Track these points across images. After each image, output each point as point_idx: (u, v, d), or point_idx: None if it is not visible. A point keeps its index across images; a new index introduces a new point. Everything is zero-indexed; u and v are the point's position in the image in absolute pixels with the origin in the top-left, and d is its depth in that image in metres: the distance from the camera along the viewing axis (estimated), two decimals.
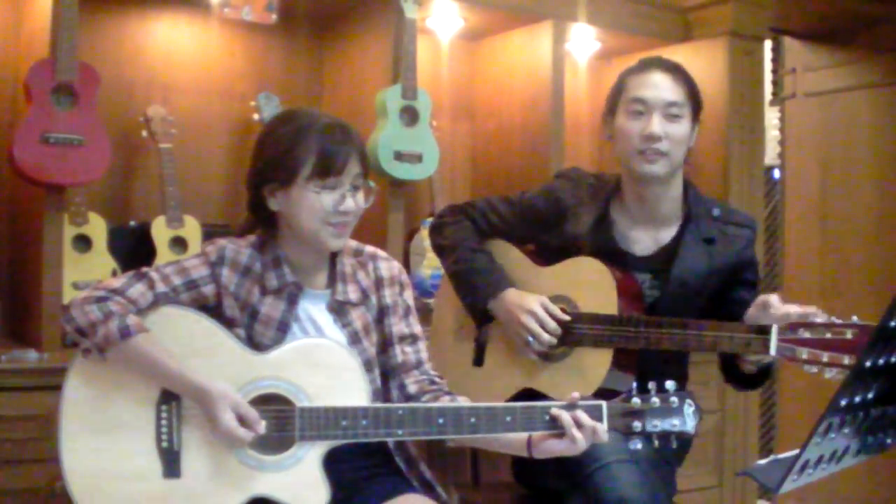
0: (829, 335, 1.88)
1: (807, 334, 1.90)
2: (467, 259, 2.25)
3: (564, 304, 2.19)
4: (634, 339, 2.08)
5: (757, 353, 1.99)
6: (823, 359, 1.87)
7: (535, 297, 2.20)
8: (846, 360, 1.85)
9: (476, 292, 2.23)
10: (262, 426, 1.73)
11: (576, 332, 2.15)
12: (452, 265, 2.30)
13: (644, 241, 2.23)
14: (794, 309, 1.96)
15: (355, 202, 1.84)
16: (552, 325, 2.16)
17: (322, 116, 1.86)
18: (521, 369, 2.22)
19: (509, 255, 2.33)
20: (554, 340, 2.16)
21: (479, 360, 2.33)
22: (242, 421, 1.71)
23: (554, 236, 2.28)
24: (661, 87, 2.18)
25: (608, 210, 2.26)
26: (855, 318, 1.88)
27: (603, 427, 1.76)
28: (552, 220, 2.29)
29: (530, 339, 2.17)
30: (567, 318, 2.17)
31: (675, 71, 2.21)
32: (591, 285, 2.16)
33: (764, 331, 1.96)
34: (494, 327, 2.28)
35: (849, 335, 1.86)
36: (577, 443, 1.75)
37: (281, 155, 1.81)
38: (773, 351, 1.94)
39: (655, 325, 2.07)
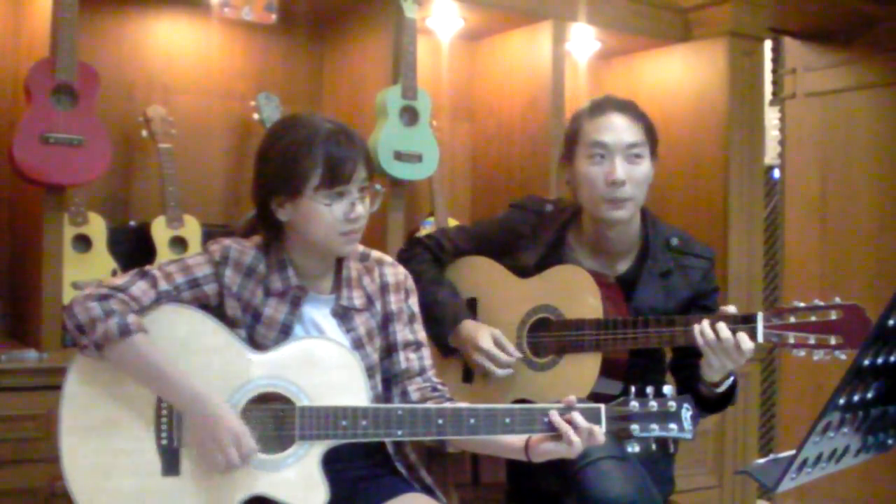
0: (813, 318, 1.91)
1: (792, 319, 1.92)
2: (428, 292, 2.22)
3: (549, 313, 2.20)
4: (623, 341, 2.08)
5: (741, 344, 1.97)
6: (810, 341, 1.90)
7: (488, 332, 2.21)
8: (833, 340, 1.88)
9: (436, 325, 2.23)
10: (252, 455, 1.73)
11: (563, 339, 2.15)
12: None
13: (601, 270, 2.23)
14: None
15: (364, 208, 1.84)
16: (504, 359, 2.18)
17: (323, 122, 1.83)
18: (511, 382, 2.22)
19: (490, 270, 2.34)
20: (509, 372, 2.19)
21: (468, 377, 2.33)
22: (240, 451, 1.71)
23: (506, 262, 2.31)
24: (619, 129, 2.16)
25: (564, 238, 2.27)
26: (838, 299, 1.89)
27: (600, 429, 1.76)
28: (506, 249, 2.32)
29: (489, 370, 2.20)
30: (518, 355, 2.20)
31: (631, 110, 2.20)
32: (575, 292, 2.16)
33: (750, 319, 1.96)
34: None
35: (833, 316, 1.89)
36: (573, 445, 1.75)
37: (286, 167, 1.79)
38: (760, 338, 1.95)
39: (642, 324, 2.07)
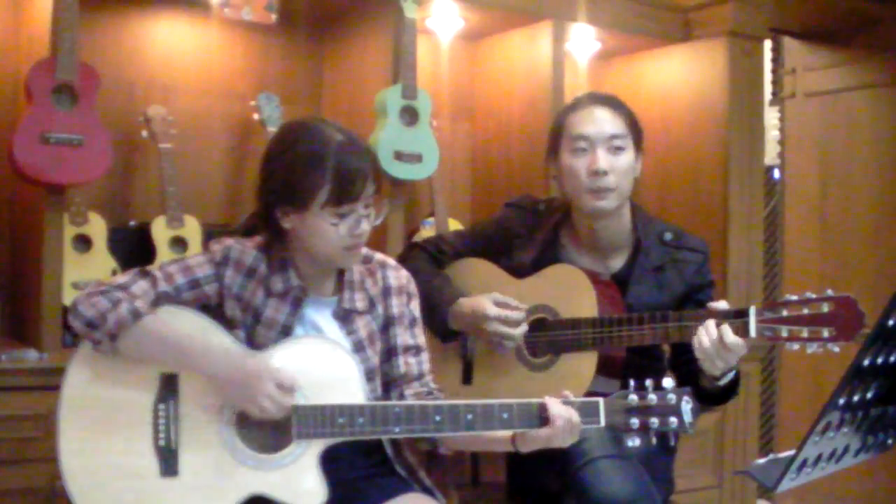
0: (806, 311, 1.90)
1: (785, 312, 1.92)
2: (423, 283, 2.19)
3: (545, 313, 2.20)
4: (618, 338, 2.09)
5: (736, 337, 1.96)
6: (804, 334, 1.90)
7: (485, 298, 2.20)
8: (826, 332, 1.88)
9: (434, 313, 2.22)
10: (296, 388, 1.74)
11: (560, 339, 2.16)
12: None
13: (595, 267, 2.24)
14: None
15: (370, 222, 1.83)
16: (514, 315, 2.16)
17: (334, 134, 1.81)
18: (509, 382, 2.22)
19: (487, 271, 2.34)
20: (525, 328, 2.17)
21: (467, 378, 2.33)
22: (281, 388, 1.72)
23: (503, 262, 2.31)
24: (601, 120, 2.18)
25: (558, 236, 2.28)
26: (830, 292, 1.89)
27: (575, 414, 1.76)
28: (502, 248, 2.33)
29: (504, 342, 2.18)
30: (524, 307, 2.17)
31: (613, 103, 2.21)
32: (570, 292, 2.17)
33: (742, 314, 1.96)
34: (477, 343, 2.29)
35: (825, 308, 1.89)
36: (545, 434, 1.75)
37: (293, 180, 1.77)
38: (752, 333, 1.95)
39: (637, 321, 2.08)
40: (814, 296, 1.91)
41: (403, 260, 2.36)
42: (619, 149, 2.18)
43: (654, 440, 1.79)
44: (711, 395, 2.10)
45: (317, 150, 1.77)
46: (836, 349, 1.88)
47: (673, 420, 1.78)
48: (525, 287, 2.25)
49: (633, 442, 1.78)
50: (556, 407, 1.77)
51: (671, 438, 1.80)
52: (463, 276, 2.38)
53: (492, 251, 2.35)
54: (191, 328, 1.79)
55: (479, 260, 2.36)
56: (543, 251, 2.27)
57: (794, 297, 1.93)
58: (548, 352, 2.19)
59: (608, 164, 2.15)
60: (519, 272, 2.27)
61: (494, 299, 2.20)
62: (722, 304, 2.01)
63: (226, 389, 1.74)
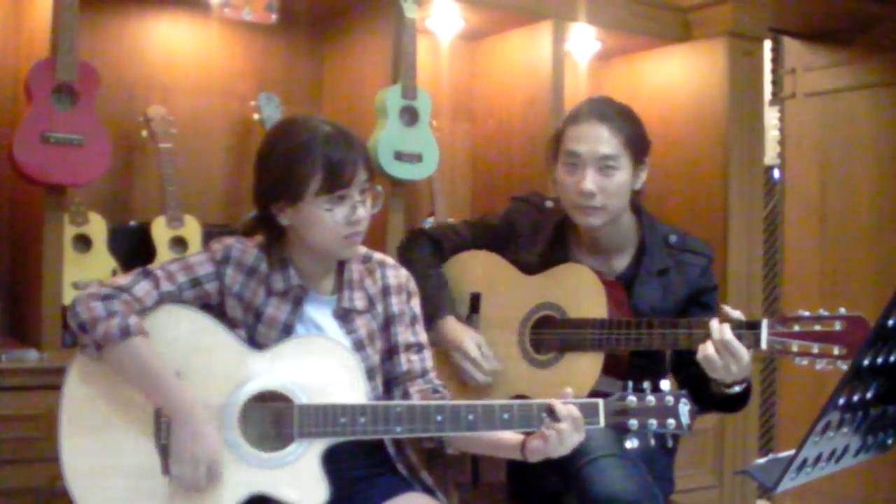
0: (818, 327, 1.90)
1: (796, 327, 1.92)
2: (419, 275, 2.18)
3: (553, 311, 2.20)
4: (626, 341, 2.08)
5: (748, 348, 1.96)
6: (814, 350, 1.90)
7: (472, 338, 2.22)
8: (836, 350, 1.88)
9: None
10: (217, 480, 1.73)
11: (566, 337, 2.15)
12: None
13: (599, 268, 2.23)
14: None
15: (366, 210, 1.83)
16: (487, 366, 2.19)
17: (322, 125, 1.82)
18: (512, 377, 2.22)
19: (496, 265, 2.33)
20: (489, 380, 2.20)
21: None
22: (209, 471, 1.71)
23: (508, 256, 2.31)
24: (595, 139, 2.13)
25: (564, 236, 2.28)
26: (843, 311, 1.89)
27: (577, 411, 1.76)
28: (506, 242, 2.32)
29: (472, 375, 2.21)
30: (499, 367, 2.20)
31: (614, 118, 2.15)
32: (579, 291, 2.16)
33: (754, 325, 1.96)
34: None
35: (837, 326, 1.89)
36: (553, 437, 1.74)
37: (285, 173, 1.78)
38: (763, 345, 1.95)
39: (646, 325, 2.07)
40: (827, 313, 1.91)
41: (406, 246, 2.36)
42: (610, 168, 2.14)
43: (651, 441, 1.79)
44: (719, 402, 2.08)
45: (306, 141, 1.79)
46: (845, 367, 1.87)
47: (671, 422, 1.78)
48: (534, 283, 2.25)
49: (632, 443, 1.78)
50: (559, 407, 1.77)
51: (669, 440, 1.80)
52: (472, 269, 2.36)
53: (496, 244, 2.34)
54: (191, 330, 1.80)
55: (488, 253, 2.35)
56: (551, 249, 2.26)
57: (807, 314, 1.93)
58: (553, 349, 2.18)
59: (596, 185, 2.13)
60: (526, 268, 2.27)
61: (478, 342, 2.22)
62: (736, 314, 2.00)
63: (174, 439, 1.72)
